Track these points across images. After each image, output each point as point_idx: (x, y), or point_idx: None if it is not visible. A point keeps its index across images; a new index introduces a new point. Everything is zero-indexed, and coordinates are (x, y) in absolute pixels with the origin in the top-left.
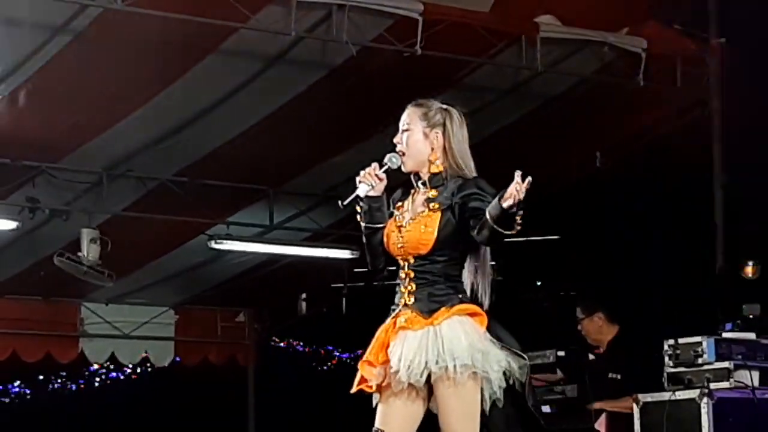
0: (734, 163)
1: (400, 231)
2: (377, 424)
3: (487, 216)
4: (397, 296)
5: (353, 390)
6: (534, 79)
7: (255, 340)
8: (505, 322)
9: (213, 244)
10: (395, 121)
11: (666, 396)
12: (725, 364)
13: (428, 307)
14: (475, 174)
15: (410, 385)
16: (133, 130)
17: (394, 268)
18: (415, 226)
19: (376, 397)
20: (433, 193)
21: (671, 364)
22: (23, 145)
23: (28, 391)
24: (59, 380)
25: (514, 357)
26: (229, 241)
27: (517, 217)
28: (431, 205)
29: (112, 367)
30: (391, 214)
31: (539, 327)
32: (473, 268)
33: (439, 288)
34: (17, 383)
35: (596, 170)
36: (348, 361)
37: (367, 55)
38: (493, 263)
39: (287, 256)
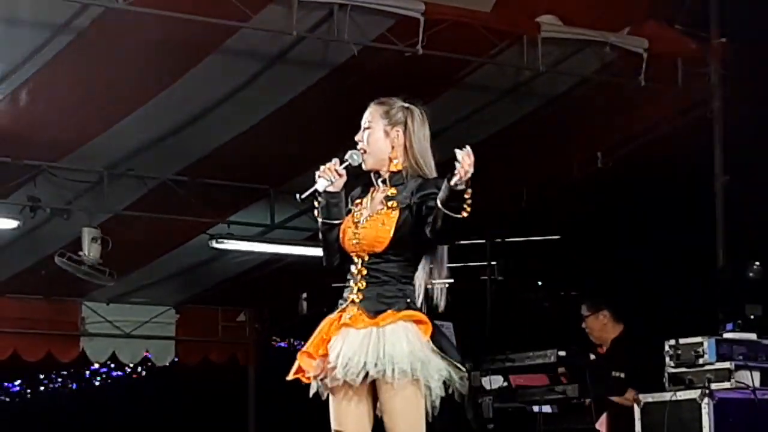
0: (735, 162)
1: (356, 227)
2: (334, 425)
3: (438, 203)
4: (346, 291)
5: (289, 377)
6: (535, 79)
7: (256, 339)
8: (507, 321)
9: (214, 244)
10: None
11: (667, 396)
12: (726, 365)
13: (375, 307)
14: (435, 174)
15: (355, 384)
16: (134, 130)
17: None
18: (372, 223)
19: (313, 387)
20: (392, 191)
21: (672, 364)
22: (24, 144)
23: (28, 390)
24: (60, 379)
25: (455, 369)
26: (230, 241)
27: (466, 196)
28: (390, 203)
29: (113, 366)
30: (349, 211)
31: (540, 327)
32: (429, 270)
33: (388, 289)
34: (18, 382)
35: (597, 170)
36: None
37: (369, 55)
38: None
39: (288, 255)
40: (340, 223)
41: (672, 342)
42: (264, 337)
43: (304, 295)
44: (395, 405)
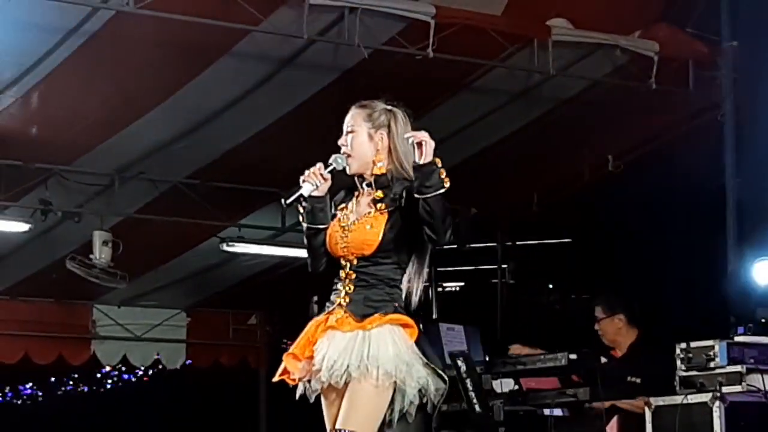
0: (746, 166)
1: (343, 231)
2: (328, 427)
3: (417, 195)
4: (334, 294)
5: (275, 379)
6: (546, 83)
7: (266, 342)
8: (518, 324)
9: (225, 247)
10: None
11: (678, 399)
12: (737, 368)
13: (362, 311)
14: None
15: (338, 386)
16: (145, 133)
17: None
18: (359, 226)
19: (300, 389)
20: (378, 194)
21: (683, 367)
22: (36, 148)
23: (40, 393)
24: (71, 382)
25: (435, 378)
26: (240, 244)
27: (437, 165)
28: (378, 206)
29: (123, 369)
30: (334, 216)
31: (551, 330)
32: (412, 270)
33: (376, 293)
34: (29, 385)
35: (608, 173)
36: None
37: (379, 58)
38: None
39: (299, 258)
40: (326, 228)
41: (683, 345)
42: (275, 340)
43: (315, 297)
44: (354, 398)
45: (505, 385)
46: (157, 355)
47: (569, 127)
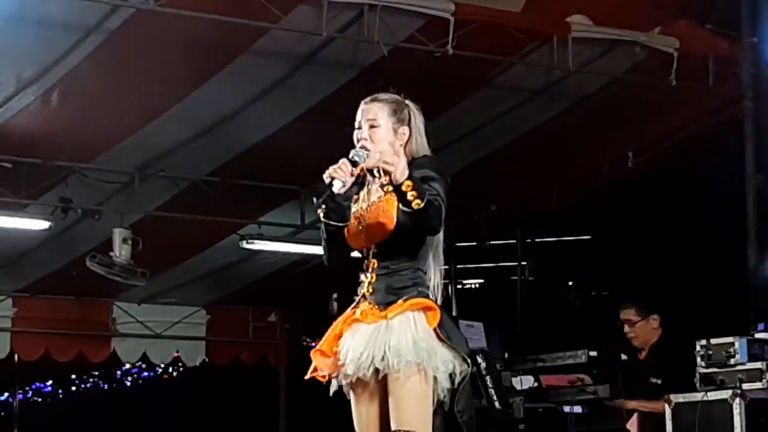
0: (767, 162)
1: (360, 222)
2: (355, 424)
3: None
4: (360, 288)
5: (307, 377)
6: (565, 79)
7: (286, 339)
8: (537, 322)
9: (244, 244)
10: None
11: (698, 396)
12: (758, 365)
13: (385, 299)
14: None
15: (366, 378)
16: (165, 130)
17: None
18: (373, 212)
19: (333, 385)
20: (386, 178)
21: (703, 364)
22: (56, 146)
23: (60, 391)
24: (91, 380)
25: (459, 360)
26: (260, 241)
27: (404, 189)
28: (386, 188)
29: (143, 366)
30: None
31: (571, 327)
32: (431, 256)
33: (398, 279)
34: (50, 383)
35: (628, 170)
36: None
37: (399, 56)
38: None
39: (318, 255)
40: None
41: (703, 342)
42: (295, 338)
43: (335, 295)
44: (402, 396)
45: (524, 382)
46: (177, 352)
47: (589, 123)
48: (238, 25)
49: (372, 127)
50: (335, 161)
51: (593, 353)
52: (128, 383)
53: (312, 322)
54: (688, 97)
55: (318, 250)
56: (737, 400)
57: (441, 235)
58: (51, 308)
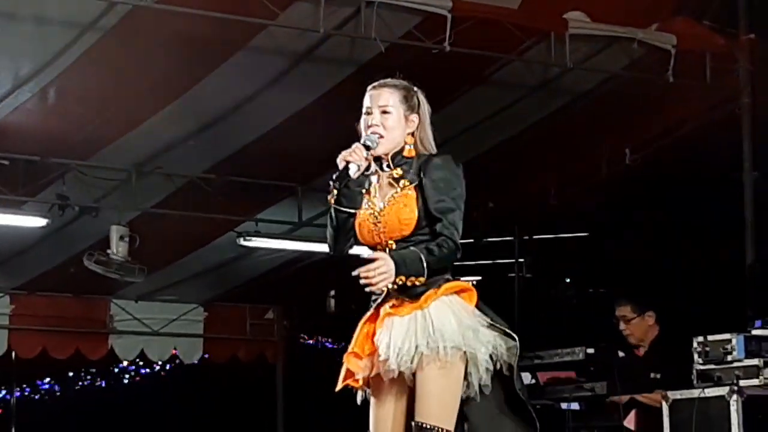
0: (764, 159)
1: (376, 218)
2: (372, 427)
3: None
4: None
5: (339, 387)
6: (563, 76)
7: (284, 337)
8: (535, 319)
9: (242, 241)
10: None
11: (695, 393)
12: (755, 362)
13: (414, 291)
14: (435, 150)
15: (397, 383)
16: (162, 128)
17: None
18: (393, 208)
19: (360, 395)
20: (398, 171)
21: (700, 361)
22: (53, 143)
23: (57, 388)
24: (89, 377)
25: (503, 337)
26: (258, 238)
27: (410, 284)
28: (401, 183)
29: (141, 363)
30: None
31: (568, 324)
32: None
33: None
34: (47, 380)
35: (626, 167)
36: None
37: (396, 52)
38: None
39: (316, 253)
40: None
41: (700, 339)
42: (292, 335)
43: (332, 292)
44: (434, 386)
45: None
46: (175, 350)
47: (586, 120)
48: (235, 22)
49: (384, 113)
50: (333, 158)
51: (590, 350)
52: (126, 380)
53: (309, 320)
54: (685, 93)
55: (315, 247)
56: (734, 396)
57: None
58: (48, 305)
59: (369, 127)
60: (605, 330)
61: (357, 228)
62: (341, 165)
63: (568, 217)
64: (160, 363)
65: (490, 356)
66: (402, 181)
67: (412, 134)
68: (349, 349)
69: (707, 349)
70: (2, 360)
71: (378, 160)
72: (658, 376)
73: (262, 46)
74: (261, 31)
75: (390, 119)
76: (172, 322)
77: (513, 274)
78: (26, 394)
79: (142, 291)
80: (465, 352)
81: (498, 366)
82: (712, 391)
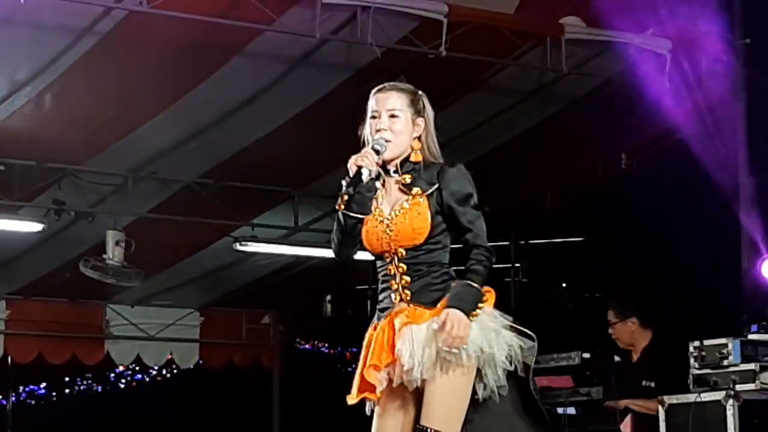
0: (759, 164)
1: (386, 226)
2: None
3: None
4: (386, 295)
5: (353, 401)
6: (559, 81)
7: (280, 342)
8: (530, 323)
9: (238, 246)
10: None
11: (691, 398)
12: (751, 366)
13: (430, 297)
14: (441, 158)
15: (408, 392)
16: (158, 132)
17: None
18: (404, 216)
19: (369, 405)
20: (407, 178)
21: (697, 365)
22: (49, 148)
23: (54, 393)
24: (85, 382)
25: (522, 338)
26: (253, 243)
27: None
28: (413, 191)
29: (137, 368)
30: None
31: (564, 329)
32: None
33: (435, 277)
34: (43, 385)
35: (621, 171)
36: None
37: (392, 57)
38: None
39: (312, 258)
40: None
41: (696, 343)
42: (288, 340)
43: (328, 297)
44: (438, 392)
45: None
46: (171, 354)
47: (582, 125)
48: (231, 27)
49: (392, 116)
50: (329, 163)
51: (586, 355)
52: (122, 385)
53: (305, 325)
54: (681, 98)
55: (311, 252)
56: (730, 401)
57: None
58: (44, 310)
59: (377, 131)
60: (601, 335)
61: (364, 234)
62: (353, 170)
63: (563, 222)
64: (156, 368)
65: (507, 357)
66: (415, 189)
67: (419, 138)
68: (368, 362)
69: (704, 353)
70: None
71: (384, 164)
72: (652, 384)
73: (258, 51)
74: (257, 36)
75: (398, 123)
76: (168, 327)
77: (509, 279)
78: (22, 399)
79: (138, 296)
80: (482, 353)
81: (513, 366)
82: (708, 396)
